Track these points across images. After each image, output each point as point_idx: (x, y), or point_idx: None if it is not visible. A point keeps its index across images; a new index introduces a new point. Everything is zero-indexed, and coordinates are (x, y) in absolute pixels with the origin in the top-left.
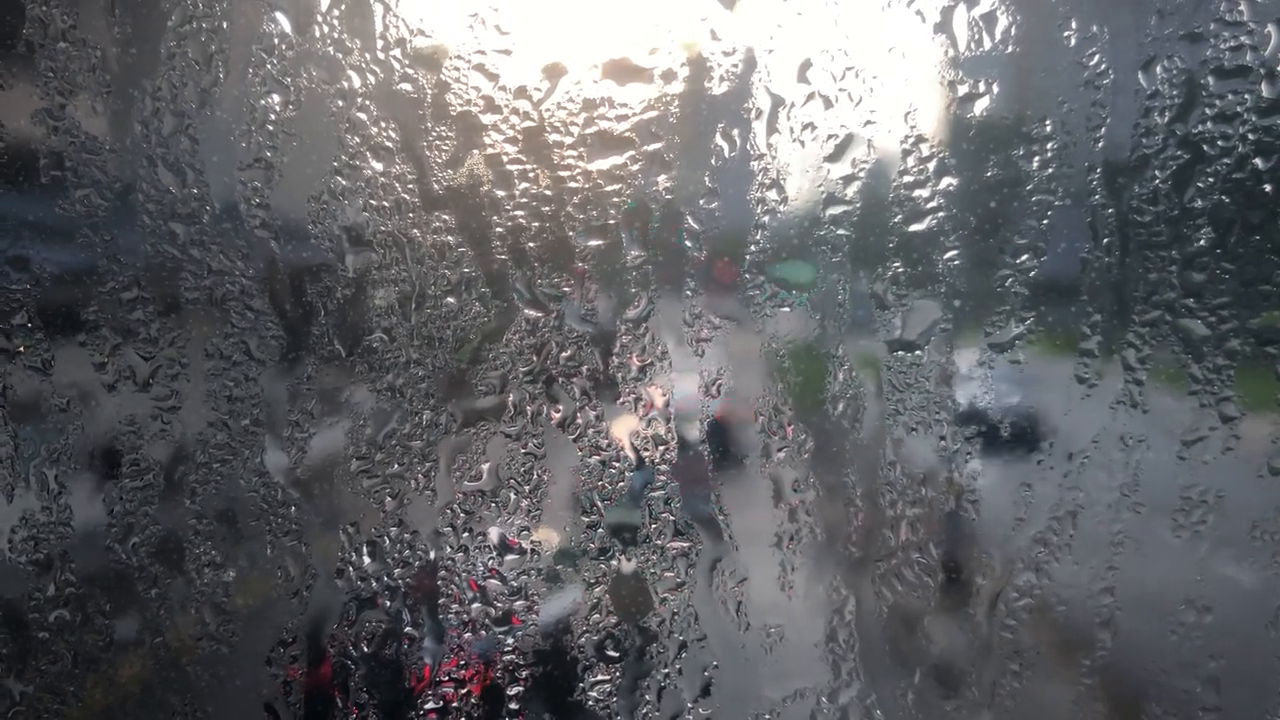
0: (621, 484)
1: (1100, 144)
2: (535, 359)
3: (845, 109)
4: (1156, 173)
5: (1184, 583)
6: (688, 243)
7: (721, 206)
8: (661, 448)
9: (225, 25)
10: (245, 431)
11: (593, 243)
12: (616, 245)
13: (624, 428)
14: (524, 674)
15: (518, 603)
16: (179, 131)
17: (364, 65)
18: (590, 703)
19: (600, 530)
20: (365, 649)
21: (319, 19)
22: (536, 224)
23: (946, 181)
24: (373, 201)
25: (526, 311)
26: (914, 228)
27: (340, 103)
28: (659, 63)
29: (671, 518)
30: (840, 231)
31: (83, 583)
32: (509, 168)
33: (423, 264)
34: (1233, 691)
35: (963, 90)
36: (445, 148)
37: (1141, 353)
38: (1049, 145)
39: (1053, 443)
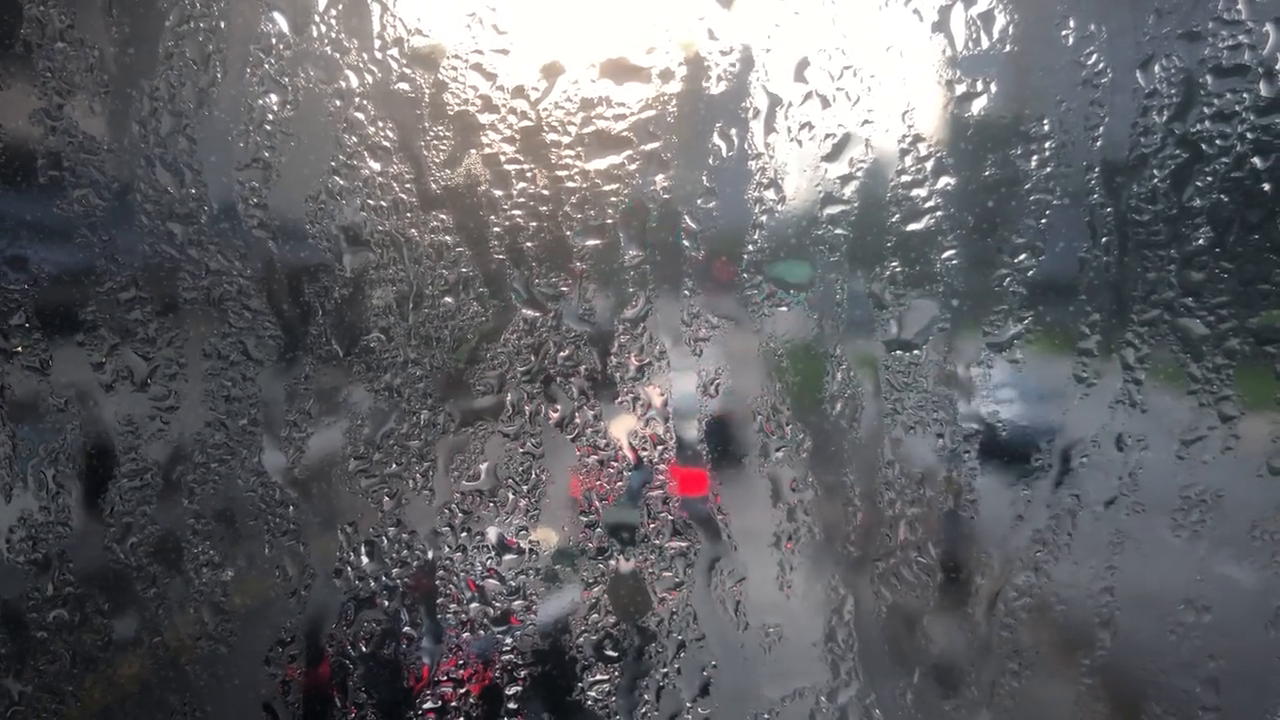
0: (620, 483)
1: (1098, 143)
2: (533, 358)
3: (843, 108)
4: (1155, 172)
5: (1183, 582)
6: (685, 242)
7: (719, 206)
8: (660, 447)
9: (223, 25)
10: (243, 431)
11: (590, 242)
12: (614, 245)
13: (622, 427)
14: (522, 674)
15: (516, 602)
16: (177, 131)
17: (361, 65)
18: (589, 702)
19: (599, 530)
20: (364, 649)
21: (316, 19)
22: (534, 223)
23: (944, 181)
24: (370, 201)
25: (524, 311)
26: (912, 227)
27: (338, 102)
28: (656, 62)
29: (670, 517)
30: (838, 231)
31: (81, 582)
32: (506, 167)
33: (420, 264)
34: (1232, 691)
35: (961, 89)
36: (443, 147)
37: (1140, 352)
38: (1047, 144)
39: (1051, 442)
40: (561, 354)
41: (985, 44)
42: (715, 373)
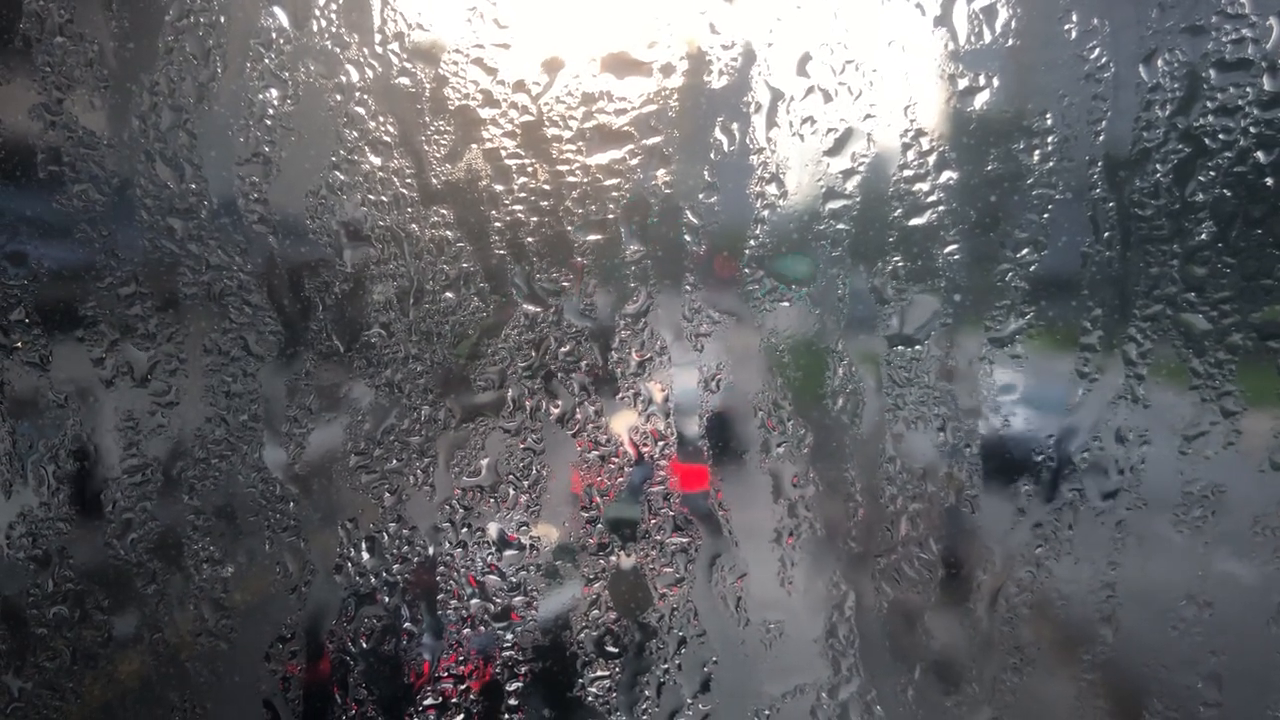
0: (621, 479)
1: (1101, 138)
2: (534, 354)
3: (845, 103)
4: (1157, 166)
5: (1185, 578)
6: (687, 237)
7: (721, 201)
8: (661, 443)
9: (223, 20)
10: (243, 427)
11: (591, 237)
12: (615, 240)
13: (623, 423)
14: (523, 670)
15: (517, 598)
16: (177, 126)
17: (362, 60)
18: (590, 699)
19: (599, 525)
20: (364, 645)
21: (317, 13)
22: (535, 219)
23: (946, 175)
24: (371, 196)
25: (525, 306)
26: (914, 222)
27: (338, 97)
28: (658, 56)
29: (671, 513)
30: (840, 226)
31: (81, 579)
32: (507, 162)
33: (421, 259)
34: (1234, 687)
35: (963, 84)
36: (443, 142)
37: (1142, 347)
38: (1049, 139)
39: (1053, 438)
40: (563, 349)
41: (988, 38)
42: (716, 368)
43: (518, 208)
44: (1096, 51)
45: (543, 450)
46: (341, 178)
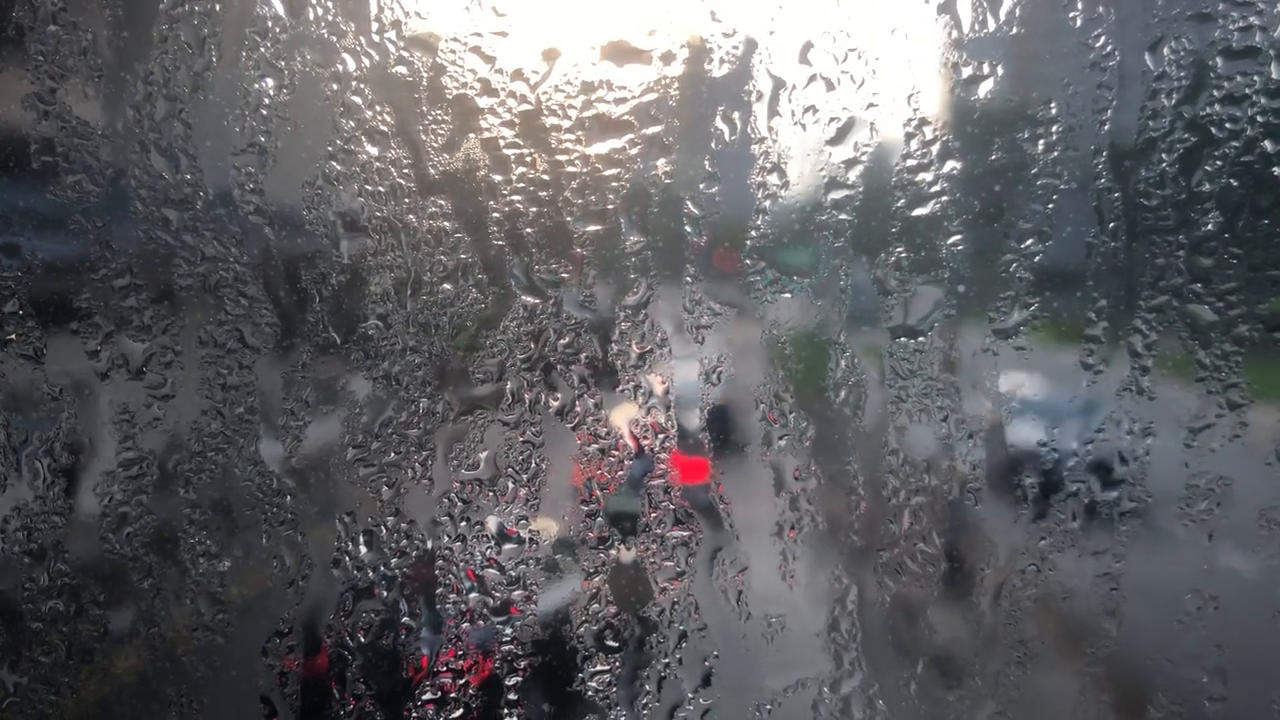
0: (621, 472)
1: (1106, 127)
2: (533, 346)
3: (847, 91)
4: (1163, 156)
5: (1190, 571)
6: (687, 228)
7: (722, 191)
8: (661, 435)
9: (218, 8)
10: (240, 420)
11: (591, 228)
12: (615, 231)
13: (623, 415)
14: (522, 664)
15: (516, 592)
16: (172, 116)
17: (359, 48)
18: (590, 693)
19: (599, 519)
20: (362, 639)
21: (313, 1)
22: (534, 209)
23: (950, 165)
24: (368, 187)
25: (524, 298)
26: (917, 212)
27: (335, 86)
28: (658, 44)
29: (671, 506)
30: (842, 216)
31: (76, 573)
32: (506, 152)
33: (419, 250)
34: (1239, 681)
35: (967, 72)
36: (441, 132)
37: (1148, 339)
38: (1054, 128)
39: (1058, 430)
40: (562, 341)
41: (991, 26)
42: (717, 360)
43: (516, 198)
44: (1102, 40)
45: (542, 443)
46: (338, 168)
